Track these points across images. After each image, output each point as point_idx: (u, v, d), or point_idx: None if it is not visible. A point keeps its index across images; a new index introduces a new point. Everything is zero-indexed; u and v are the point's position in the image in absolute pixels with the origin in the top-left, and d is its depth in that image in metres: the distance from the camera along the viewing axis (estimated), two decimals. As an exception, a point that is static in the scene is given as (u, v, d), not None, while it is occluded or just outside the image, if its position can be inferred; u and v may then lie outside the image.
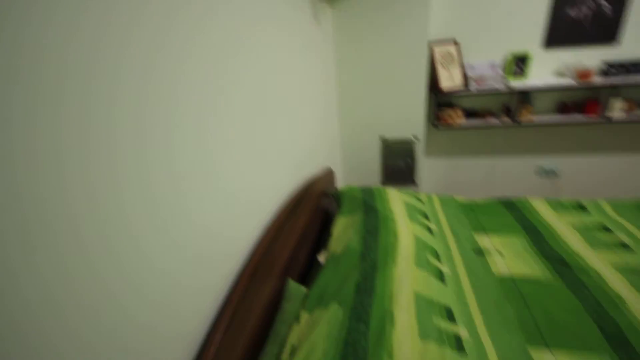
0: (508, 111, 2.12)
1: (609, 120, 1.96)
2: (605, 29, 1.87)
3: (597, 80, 1.89)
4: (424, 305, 0.96)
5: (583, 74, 1.87)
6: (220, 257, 0.79)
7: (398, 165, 2.26)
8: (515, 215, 1.56)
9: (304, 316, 0.91)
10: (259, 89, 1.01)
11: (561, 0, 1.86)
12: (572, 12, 1.87)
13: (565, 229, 1.42)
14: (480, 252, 1.33)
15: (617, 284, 1.10)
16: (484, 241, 1.40)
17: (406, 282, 1.02)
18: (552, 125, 2.16)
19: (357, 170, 2.30)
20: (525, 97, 2.03)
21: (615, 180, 2.27)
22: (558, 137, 2.23)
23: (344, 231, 1.32)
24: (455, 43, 2.02)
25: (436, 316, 0.96)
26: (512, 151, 2.35)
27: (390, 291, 0.96)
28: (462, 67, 2.05)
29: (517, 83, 1.99)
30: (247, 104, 0.93)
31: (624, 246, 1.29)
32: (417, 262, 1.13)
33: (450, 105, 2.19)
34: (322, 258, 1.24)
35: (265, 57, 1.06)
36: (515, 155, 2.35)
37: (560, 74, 2.01)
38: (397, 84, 1.99)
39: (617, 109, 1.92)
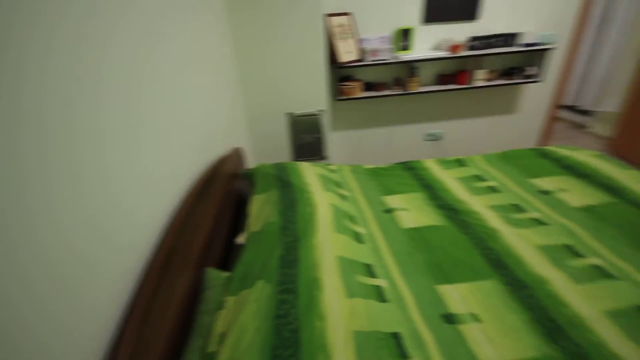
0: (399, 82, 2.32)
1: (476, 88, 2.32)
2: (468, 7, 2.17)
3: (465, 52, 2.20)
4: (347, 267, 1.01)
5: (454, 47, 2.15)
6: (116, 253, 0.67)
7: (307, 140, 2.28)
8: (413, 176, 1.74)
9: (229, 301, 0.85)
10: (139, 65, 0.86)
11: (433, -20, 2.08)
12: (443, -9, 2.12)
13: (451, 182, 1.65)
14: (389, 210, 1.45)
15: (492, 219, 1.34)
16: (391, 201, 1.53)
17: (328, 248, 1.04)
18: (434, 94, 2.46)
19: (267, 148, 2.24)
20: (412, 69, 2.24)
21: (485, 138, 2.74)
22: (440, 105, 2.56)
23: (262, 209, 1.28)
24: (348, 14, 2.08)
25: (359, 274, 1.01)
26: (405, 120, 2.60)
27: (314, 259, 0.97)
28: (357, 40, 2.13)
29: (404, 56, 2.18)
30: (133, 83, 0.78)
31: (494, 189, 1.57)
32: (336, 228, 1.17)
33: (350, 78, 2.29)
34: (241, 240, 1.17)
35: (149, 33, 0.91)
36: (408, 123, 2.62)
37: (437, 47, 2.28)
38: (297, 58, 1.96)
39: (480, 77, 2.28)
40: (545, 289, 1.01)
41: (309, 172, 1.54)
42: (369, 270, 1.06)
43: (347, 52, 2.06)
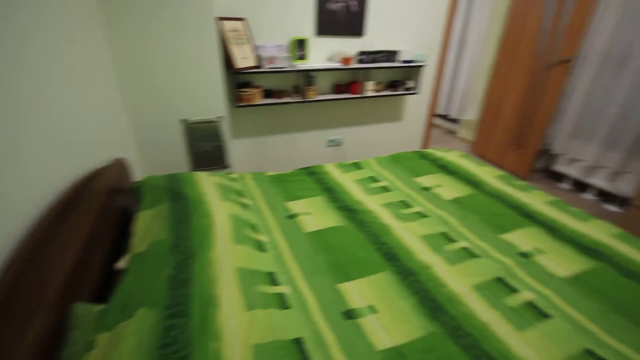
0: (298, 90, 2.38)
1: (367, 97, 2.54)
2: (354, 24, 2.37)
3: (356, 65, 2.39)
4: (248, 278, 0.96)
5: (346, 60, 2.32)
6: None
7: (206, 148, 2.15)
8: (315, 180, 1.79)
9: (102, 338, 0.72)
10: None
11: (322, -4, 2.21)
12: (332, 7, 2.26)
13: (349, 184, 1.75)
14: (292, 216, 1.45)
15: (385, 216, 1.46)
16: (295, 206, 1.53)
17: (227, 260, 0.98)
18: (332, 102, 2.60)
19: (161, 159, 2.02)
20: (309, 78, 2.33)
21: (379, 142, 3.01)
22: (338, 113, 2.72)
23: (149, 226, 1.13)
24: (242, 19, 2.05)
25: (260, 284, 0.98)
26: (307, 127, 2.68)
27: (210, 275, 0.89)
28: (253, 46, 2.11)
29: (301, 65, 2.25)
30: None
31: (386, 189, 1.72)
32: (236, 238, 1.11)
33: (249, 85, 2.24)
34: (122, 265, 1.01)
35: None
36: (310, 130, 2.70)
37: (331, 59, 2.42)
38: (190, 62, 1.83)
39: (370, 88, 2.51)
40: (428, 273, 1.14)
41: (206, 182, 1.44)
42: (272, 279, 1.04)
43: (243, 58, 2.02)
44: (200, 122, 2.05)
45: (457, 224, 1.44)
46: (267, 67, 2.12)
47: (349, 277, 1.12)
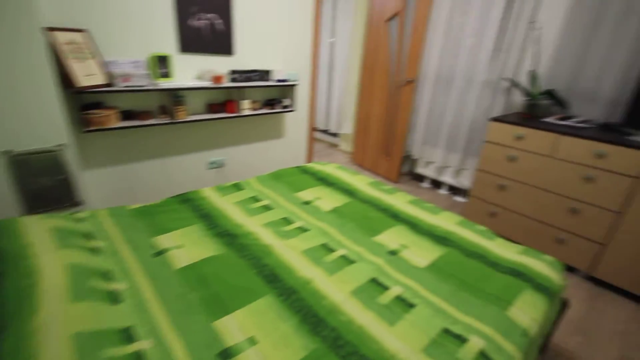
0: (165, 111, 2.17)
1: (245, 116, 2.50)
2: (222, 43, 2.31)
3: (228, 84, 2.32)
4: (90, 343, 0.77)
5: (217, 78, 2.23)
6: None
7: (45, 184, 1.73)
8: (191, 207, 1.63)
9: None
10: None
11: (182, 12, 2.08)
12: (194, 23, 2.15)
13: (229, 207, 1.65)
14: (160, 253, 1.27)
15: (266, 236, 1.42)
16: (164, 241, 1.35)
17: (58, 326, 0.77)
18: (209, 122, 2.46)
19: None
20: (177, 97, 2.14)
21: (263, 160, 2.97)
22: (217, 133, 2.58)
23: None
24: (82, 31, 1.76)
25: (109, 347, 0.80)
26: (183, 150, 2.46)
27: (28, 352, 0.68)
28: (101, 62, 1.83)
29: (164, 83, 2.06)
30: None
31: (267, 207, 1.69)
32: (75, 295, 0.89)
33: (101, 106, 1.92)
34: None
35: None
36: (186, 153, 2.48)
37: (200, 77, 2.29)
38: (8, 81, 1.46)
39: (246, 107, 2.47)
40: (309, 288, 1.13)
41: (35, 229, 1.14)
42: (127, 335, 0.86)
43: (88, 75, 1.72)
44: (33, 153, 1.65)
45: (336, 233, 1.49)
46: (121, 85, 1.86)
47: (226, 311, 1.02)
